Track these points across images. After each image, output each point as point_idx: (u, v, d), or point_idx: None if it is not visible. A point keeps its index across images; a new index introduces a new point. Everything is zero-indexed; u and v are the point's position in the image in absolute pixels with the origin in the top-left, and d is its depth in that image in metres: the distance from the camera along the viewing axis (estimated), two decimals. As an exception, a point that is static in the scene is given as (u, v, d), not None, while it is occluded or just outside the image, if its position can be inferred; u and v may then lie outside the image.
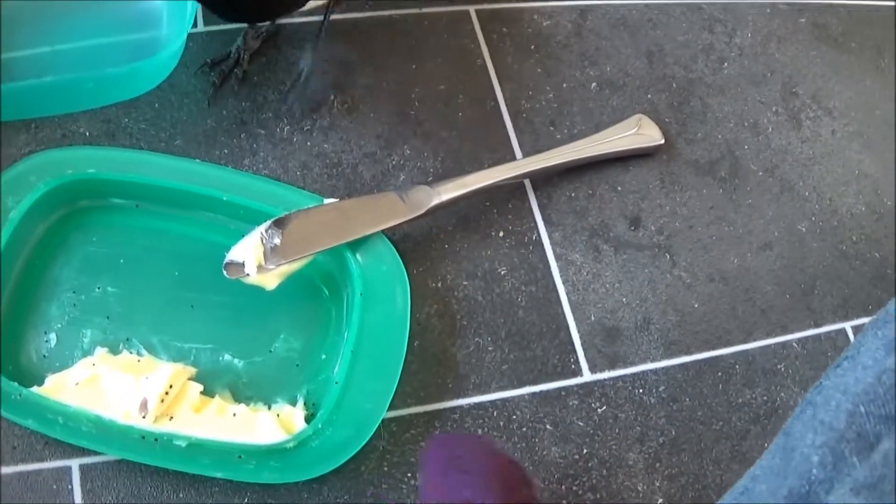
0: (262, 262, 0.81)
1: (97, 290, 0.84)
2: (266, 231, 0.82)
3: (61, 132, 0.92)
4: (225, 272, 0.81)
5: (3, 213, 0.81)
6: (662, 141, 1.02)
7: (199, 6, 1.00)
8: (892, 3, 1.29)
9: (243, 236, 0.83)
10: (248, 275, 0.81)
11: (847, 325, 0.97)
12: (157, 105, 0.96)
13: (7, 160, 0.89)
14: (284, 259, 0.82)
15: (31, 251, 0.84)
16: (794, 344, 0.95)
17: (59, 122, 0.93)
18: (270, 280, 0.82)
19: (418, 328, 0.87)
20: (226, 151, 0.94)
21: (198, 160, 0.92)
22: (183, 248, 0.88)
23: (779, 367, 0.93)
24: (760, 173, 1.05)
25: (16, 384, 0.75)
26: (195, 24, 1.00)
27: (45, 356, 0.81)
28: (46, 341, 0.81)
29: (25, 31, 0.97)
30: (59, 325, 0.82)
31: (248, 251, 0.81)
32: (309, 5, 0.94)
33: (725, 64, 1.13)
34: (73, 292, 0.84)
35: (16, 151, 0.90)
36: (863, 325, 0.96)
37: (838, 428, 0.60)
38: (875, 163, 1.10)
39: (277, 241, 0.82)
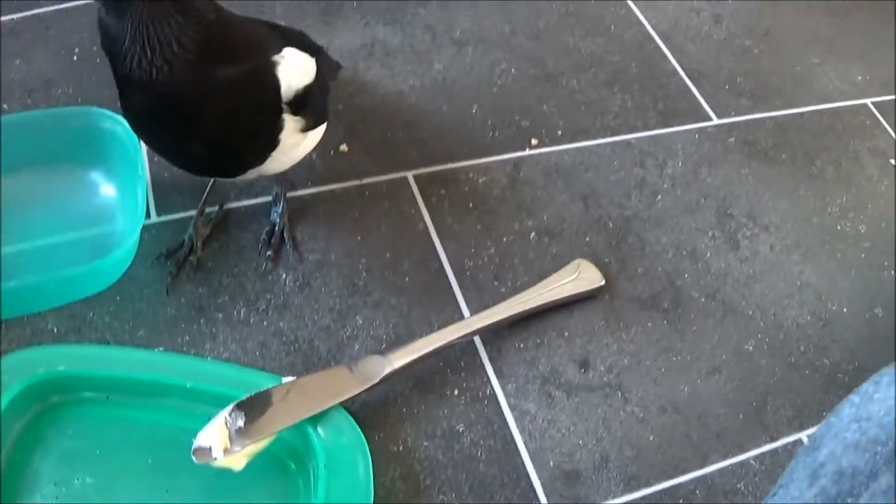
0: (228, 445, 0.84)
1: (76, 481, 0.86)
2: (230, 415, 0.85)
3: (30, 330, 0.96)
4: (193, 458, 0.83)
5: (-20, 413, 0.84)
6: (603, 282, 1.06)
7: (151, 197, 1.05)
8: (818, 108, 1.34)
9: (209, 420, 0.85)
10: (215, 459, 0.83)
11: (803, 435, 1.00)
12: (118, 298, 0.99)
13: (-22, 360, 0.92)
14: (249, 440, 0.84)
15: (11, 447, 0.87)
16: (752, 461, 0.97)
17: (27, 321, 0.96)
18: (238, 461, 0.85)
19: (384, 492, 0.89)
20: (187, 338, 0.97)
21: (161, 349, 0.95)
22: (154, 436, 0.90)
23: (738, 486, 0.96)
24: (703, 299, 1.09)
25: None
26: (148, 215, 1.05)
27: (32, 549, 0.83)
28: (32, 534, 0.83)
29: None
30: (44, 518, 0.84)
31: (213, 436, 0.84)
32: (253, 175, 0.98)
33: (659, 196, 1.18)
34: (55, 485, 0.86)
35: (-13, 350, 0.94)
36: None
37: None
38: (816, 270, 1.14)
39: (241, 423, 0.84)
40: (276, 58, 0.89)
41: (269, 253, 1.04)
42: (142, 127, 0.91)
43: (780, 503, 0.68)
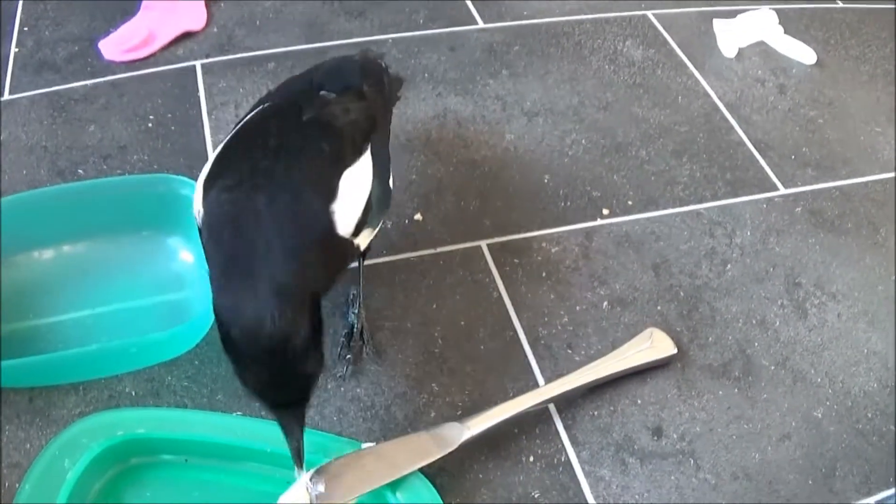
0: (310, 511, 0.85)
1: (154, 543, 0.88)
2: (311, 480, 0.86)
3: (108, 393, 0.98)
4: (275, 524, 0.84)
5: (61, 473, 0.86)
6: (675, 351, 1.07)
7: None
8: (881, 177, 1.34)
9: (289, 484, 0.86)
10: (296, 525, 0.84)
11: (871, 500, 0.99)
12: (196, 362, 1.02)
13: (59, 421, 0.95)
14: (331, 506, 0.85)
15: (90, 508, 0.88)
16: (822, 528, 0.97)
17: (105, 384, 0.99)
18: (319, 526, 0.86)
19: (461, 558, 0.90)
20: (266, 403, 0.99)
21: (240, 414, 0.97)
22: (233, 499, 0.91)
23: (808, 552, 0.95)
24: (773, 368, 1.09)
25: None
26: (227, 282, 1.07)
27: None
28: None
29: (66, 296, 1.05)
30: (121, 579, 0.86)
31: (294, 501, 0.85)
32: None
33: (729, 266, 1.19)
34: (133, 546, 0.87)
35: (67, 413, 0.96)
36: (886, 497, 0.98)
37: None
38: (882, 339, 1.14)
39: (322, 488, 0.86)
40: (332, 208, 0.85)
41: (348, 356, 1.04)
42: None
43: None
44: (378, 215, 0.95)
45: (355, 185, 0.89)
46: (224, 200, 0.83)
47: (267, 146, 0.87)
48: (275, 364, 0.76)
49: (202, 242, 0.84)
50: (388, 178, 0.99)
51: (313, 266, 0.80)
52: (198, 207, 0.87)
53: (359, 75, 1.00)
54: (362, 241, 0.92)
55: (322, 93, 0.95)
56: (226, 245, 0.80)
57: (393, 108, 1.08)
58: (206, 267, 0.81)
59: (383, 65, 1.08)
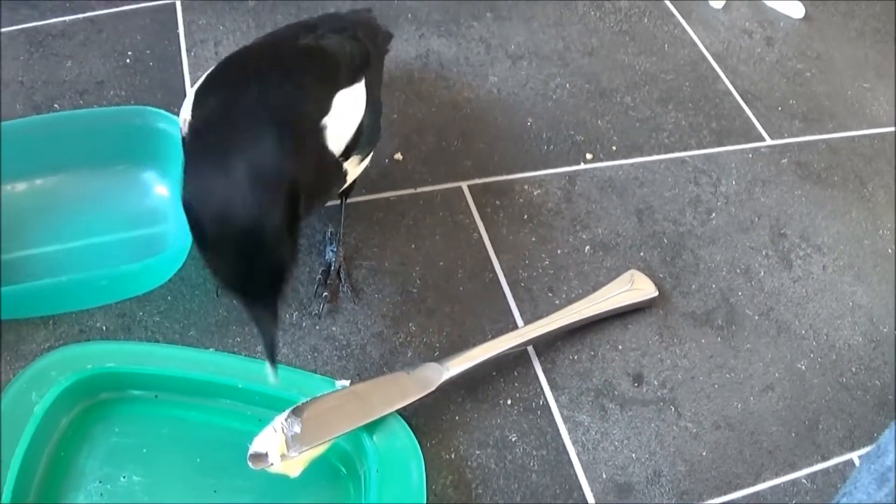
0: (285, 451, 0.83)
1: (122, 479, 0.86)
2: (286, 420, 0.84)
3: (79, 327, 0.96)
4: (249, 464, 0.82)
5: (28, 407, 0.84)
6: (657, 293, 1.06)
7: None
8: (868, 132, 1.33)
9: (261, 421, 0.85)
10: (272, 464, 0.82)
11: (854, 456, 0.99)
12: (169, 297, 0.99)
13: (28, 356, 0.93)
14: (306, 446, 0.83)
15: (57, 443, 0.86)
16: (804, 480, 0.96)
17: (76, 318, 0.96)
18: (295, 467, 0.84)
19: (435, 500, 0.89)
20: (238, 339, 0.97)
21: (212, 350, 0.95)
22: (203, 436, 0.90)
23: (791, 504, 0.94)
24: (756, 318, 1.08)
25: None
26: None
27: (75, 546, 0.82)
28: (76, 532, 0.82)
29: (38, 230, 1.02)
30: (88, 515, 0.84)
31: (269, 441, 0.83)
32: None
33: (713, 214, 1.17)
34: (100, 482, 0.85)
35: (36, 347, 0.94)
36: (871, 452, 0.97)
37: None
38: (868, 293, 1.13)
39: (297, 429, 0.84)
40: (323, 122, 0.86)
41: (325, 294, 1.01)
42: None
43: None
44: (368, 145, 0.94)
45: (349, 105, 0.90)
46: (213, 101, 0.82)
47: (261, 62, 0.88)
48: (245, 251, 0.73)
49: (183, 150, 0.81)
50: (380, 115, 0.99)
51: (295, 160, 0.77)
52: (185, 116, 0.85)
53: (352, 24, 1.03)
54: (350, 168, 0.91)
55: (319, 31, 0.97)
56: (206, 136, 0.79)
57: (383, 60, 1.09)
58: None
59: (375, 21, 1.11)
